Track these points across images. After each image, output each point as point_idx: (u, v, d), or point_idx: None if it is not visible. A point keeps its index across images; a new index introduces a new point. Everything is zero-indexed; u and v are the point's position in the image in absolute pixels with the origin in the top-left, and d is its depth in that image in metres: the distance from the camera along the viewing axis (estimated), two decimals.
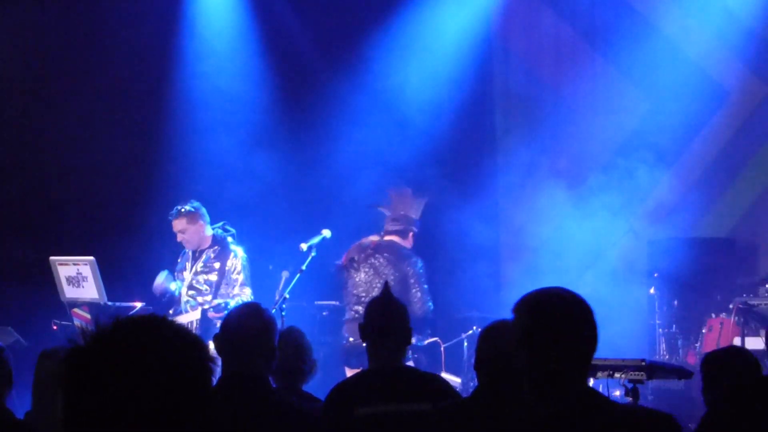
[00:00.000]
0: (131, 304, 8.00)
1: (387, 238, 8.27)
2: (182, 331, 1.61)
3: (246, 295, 7.90)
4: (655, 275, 9.45)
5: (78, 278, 7.83)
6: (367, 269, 8.12)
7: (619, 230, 9.69)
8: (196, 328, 7.83)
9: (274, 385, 4.29)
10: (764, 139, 9.96)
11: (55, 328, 8.03)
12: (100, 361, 1.54)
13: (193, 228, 8.00)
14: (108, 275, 7.94)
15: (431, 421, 3.71)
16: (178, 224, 8.00)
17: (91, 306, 7.80)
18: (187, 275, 8.08)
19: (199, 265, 8.04)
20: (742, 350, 4.60)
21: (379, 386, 4.03)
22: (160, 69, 10.02)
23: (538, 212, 10.40)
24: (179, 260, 8.26)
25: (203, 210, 8.05)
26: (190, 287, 8.05)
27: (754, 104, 9.79)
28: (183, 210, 7.96)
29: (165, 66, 10.06)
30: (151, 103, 10.01)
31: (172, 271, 8.22)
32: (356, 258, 8.18)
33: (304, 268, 7.56)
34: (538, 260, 10.13)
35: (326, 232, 7.81)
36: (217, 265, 8.01)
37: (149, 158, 9.96)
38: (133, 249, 9.04)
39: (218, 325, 5.14)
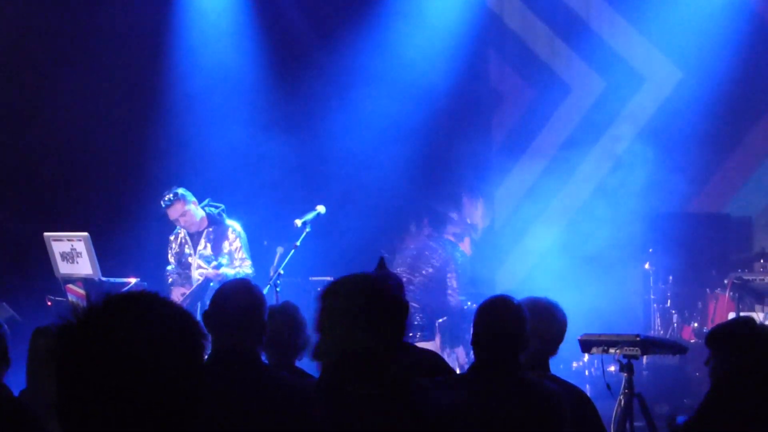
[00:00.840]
0: (125, 280, 8.02)
1: (445, 236, 8.36)
2: (173, 306, 1.60)
3: (246, 266, 7.98)
4: (650, 251, 9.46)
5: (72, 254, 7.83)
6: (413, 253, 8.16)
7: (612, 206, 9.69)
8: (189, 294, 7.88)
9: (266, 361, 4.28)
10: (759, 115, 9.96)
11: (49, 304, 8.04)
12: (90, 337, 1.53)
13: (190, 209, 8.01)
14: (102, 251, 7.93)
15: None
16: (176, 211, 7.97)
17: (85, 282, 7.81)
18: (193, 258, 8.10)
19: (202, 246, 8.07)
20: (750, 321, 4.48)
21: None
22: (159, 48, 9.97)
23: (530, 189, 10.40)
24: (173, 245, 8.24)
25: (188, 191, 8.05)
26: (200, 267, 8.08)
27: (747, 81, 9.77)
28: (177, 194, 7.95)
29: (164, 46, 10.01)
30: (149, 81, 9.96)
31: (164, 252, 8.25)
32: (408, 244, 8.27)
33: (298, 244, 7.56)
34: (534, 240, 10.13)
35: (321, 208, 7.81)
36: (217, 243, 8.05)
37: (145, 135, 9.91)
38: (128, 225, 9.03)
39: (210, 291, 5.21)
